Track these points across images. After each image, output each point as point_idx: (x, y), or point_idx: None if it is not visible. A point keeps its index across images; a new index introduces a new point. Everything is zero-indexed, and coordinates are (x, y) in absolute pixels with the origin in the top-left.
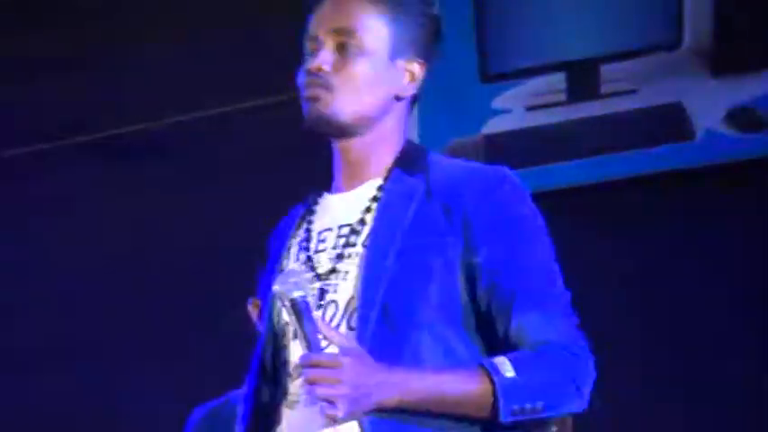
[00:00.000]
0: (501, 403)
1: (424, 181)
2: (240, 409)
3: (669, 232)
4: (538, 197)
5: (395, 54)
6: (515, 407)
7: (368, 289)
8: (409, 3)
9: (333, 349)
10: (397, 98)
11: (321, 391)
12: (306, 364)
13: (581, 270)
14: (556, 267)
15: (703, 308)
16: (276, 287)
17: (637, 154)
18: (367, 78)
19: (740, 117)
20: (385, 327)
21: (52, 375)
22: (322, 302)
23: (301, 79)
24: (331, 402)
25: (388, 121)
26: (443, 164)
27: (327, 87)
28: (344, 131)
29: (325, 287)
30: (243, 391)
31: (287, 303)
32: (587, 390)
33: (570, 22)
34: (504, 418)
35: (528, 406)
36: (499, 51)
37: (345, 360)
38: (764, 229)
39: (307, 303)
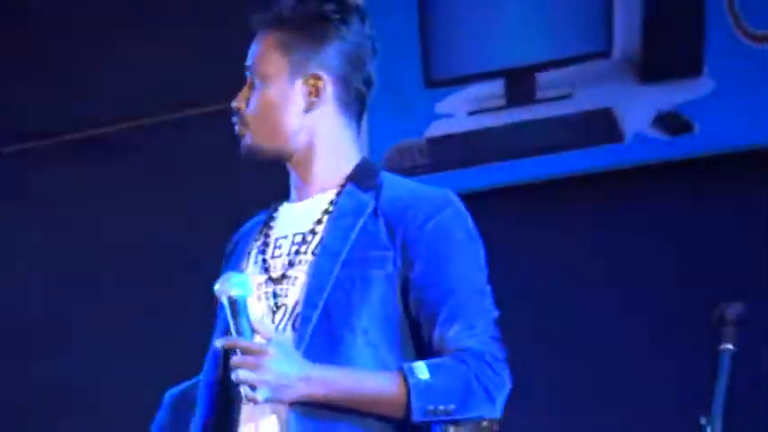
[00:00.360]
0: (414, 404)
1: (375, 198)
2: (200, 404)
3: (600, 229)
4: (477, 196)
5: (293, 76)
6: (429, 407)
7: (312, 293)
8: (303, 24)
9: None
10: (307, 111)
11: (243, 374)
12: (230, 346)
13: (517, 262)
14: (485, 287)
15: (630, 305)
16: (217, 286)
17: (570, 155)
18: (269, 105)
19: (666, 121)
20: (324, 328)
21: (34, 362)
22: (275, 306)
23: None
24: (252, 387)
25: (312, 135)
26: (394, 184)
27: (245, 123)
28: (273, 156)
29: (278, 291)
30: (201, 387)
31: (225, 301)
32: (500, 398)
33: (508, 32)
34: (417, 417)
35: (441, 407)
36: (442, 59)
37: (271, 349)
38: (689, 227)
39: (244, 302)
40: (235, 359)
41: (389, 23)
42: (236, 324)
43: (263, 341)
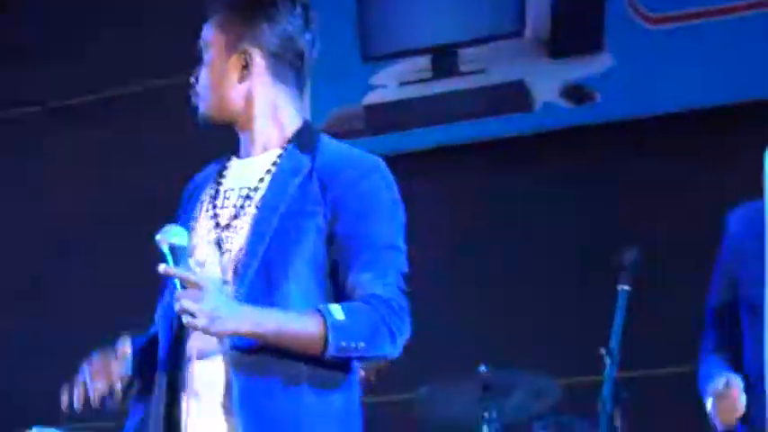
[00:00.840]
0: (330, 340)
1: (312, 160)
2: (161, 334)
3: (515, 184)
4: (407, 156)
5: (229, 52)
6: (342, 343)
7: (253, 242)
8: (239, 7)
9: None
10: (241, 81)
11: (185, 303)
12: (171, 272)
13: (440, 213)
14: (401, 246)
15: (543, 251)
16: (158, 236)
17: (488, 121)
18: (211, 79)
19: (571, 92)
20: (262, 274)
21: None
22: (220, 251)
23: None
24: (193, 315)
25: (250, 102)
26: (330, 148)
27: (196, 95)
28: (220, 121)
29: (223, 238)
30: (161, 328)
31: (166, 249)
32: (401, 341)
33: (434, 13)
34: (331, 352)
35: (352, 344)
36: (377, 37)
37: (209, 285)
38: (591, 184)
39: (183, 249)
40: (179, 292)
41: (331, 5)
42: (176, 269)
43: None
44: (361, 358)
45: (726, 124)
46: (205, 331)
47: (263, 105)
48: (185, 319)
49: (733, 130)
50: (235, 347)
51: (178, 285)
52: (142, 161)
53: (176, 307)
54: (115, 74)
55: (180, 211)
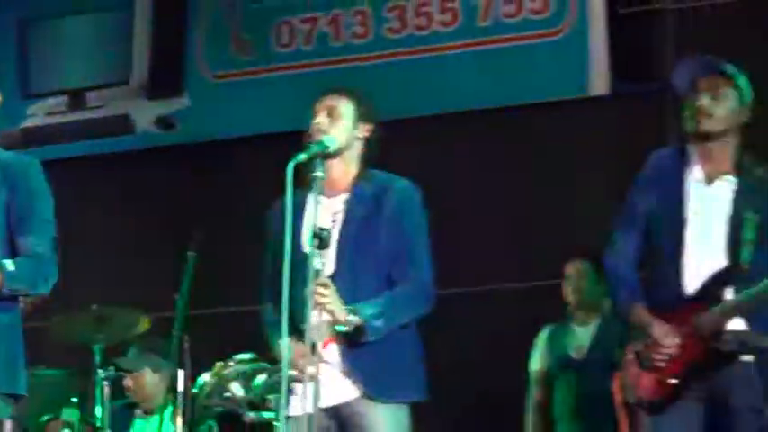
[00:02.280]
0: (4, 283)
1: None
2: None
3: (109, 190)
4: (52, 163)
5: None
6: (12, 286)
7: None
8: None
9: None
10: None
11: None
12: None
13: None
14: (51, 217)
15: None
16: None
17: (105, 141)
18: None
19: (161, 122)
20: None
21: None
22: None
23: (312, 127)
24: None
25: None
26: (5, 153)
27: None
28: None
29: None
30: None
31: None
32: (51, 282)
33: (70, 66)
34: (5, 291)
35: (18, 286)
36: (31, 81)
37: None
38: (169, 184)
39: None
40: None
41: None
42: None
43: None
44: (26, 295)
45: (263, 148)
46: None
47: None
48: None
49: (266, 153)
50: None
51: None
52: None
53: None
54: None
55: None
